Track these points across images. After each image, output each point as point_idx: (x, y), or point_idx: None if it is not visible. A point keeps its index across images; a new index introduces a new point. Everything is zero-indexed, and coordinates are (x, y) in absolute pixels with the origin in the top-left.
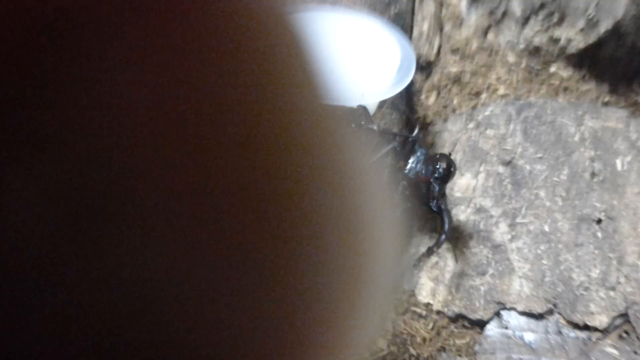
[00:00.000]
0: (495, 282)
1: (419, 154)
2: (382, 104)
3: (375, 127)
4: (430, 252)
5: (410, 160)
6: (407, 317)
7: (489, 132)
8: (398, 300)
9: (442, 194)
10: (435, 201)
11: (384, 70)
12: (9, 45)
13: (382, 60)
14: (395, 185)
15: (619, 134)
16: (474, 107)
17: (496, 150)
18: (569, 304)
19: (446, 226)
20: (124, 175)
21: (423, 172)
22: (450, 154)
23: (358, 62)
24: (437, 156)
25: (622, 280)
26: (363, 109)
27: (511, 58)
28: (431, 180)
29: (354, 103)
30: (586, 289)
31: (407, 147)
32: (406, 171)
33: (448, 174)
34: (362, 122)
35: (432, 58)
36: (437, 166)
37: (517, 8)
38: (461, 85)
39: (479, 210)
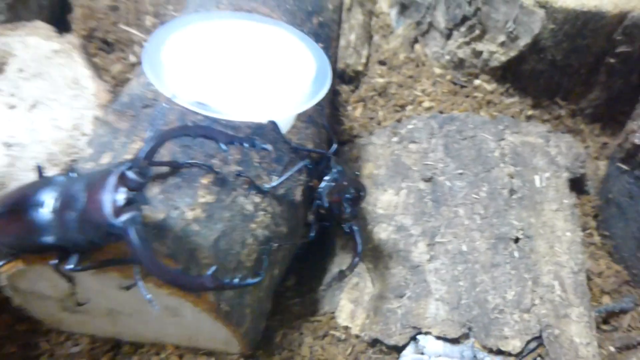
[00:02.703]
0: (412, 305)
1: (334, 171)
2: (301, 117)
3: (285, 144)
4: (342, 275)
5: (326, 178)
6: (325, 341)
7: (412, 146)
8: (318, 322)
9: (354, 216)
10: (347, 223)
11: (297, 83)
12: None
13: (296, 73)
14: (309, 204)
15: (538, 149)
16: (399, 120)
17: (418, 165)
18: (484, 328)
19: (359, 248)
20: None
21: (335, 193)
22: (357, 174)
23: (269, 74)
24: (347, 180)
25: (537, 301)
26: (273, 124)
27: (437, 70)
28: (342, 201)
29: (263, 118)
30: (501, 311)
31: (322, 164)
32: (320, 190)
33: (358, 197)
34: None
35: (359, 68)
36: (348, 188)
37: (441, 20)
38: (387, 97)
39: (400, 228)
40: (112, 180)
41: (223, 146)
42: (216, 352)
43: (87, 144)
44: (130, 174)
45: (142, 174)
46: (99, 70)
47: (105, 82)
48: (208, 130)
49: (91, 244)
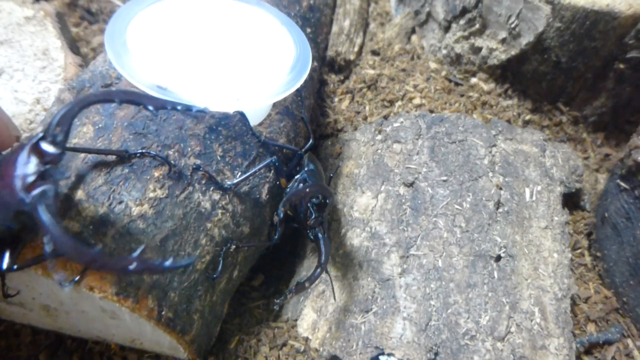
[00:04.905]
0: (377, 322)
1: (305, 171)
2: (276, 108)
3: (254, 138)
4: (300, 288)
5: (296, 178)
6: (282, 352)
7: (396, 146)
8: (279, 329)
9: (320, 222)
10: (312, 229)
11: (272, 71)
12: None
13: (272, 59)
14: (275, 204)
15: (532, 159)
16: (385, 117)
17: (400, 168)
18: (452, 355)
19: (322, 258)
20: None
21: (295, 198)
22: (331, 176)
23: (242, 59)
24: (309, 186)
25: (513, 329)
26: (241, 115)
27: (432, 64)
28: (308, 205)
29: (230, 108)
30: (472, 337)
31: (294, 162)
32: (287, 190)
33: (324, 203)
34: (237, 131)
35: (351, 57)
36: (315, 193)
37: (440, 10)
38: (377, 91)
39: (374, 235)
40: (24, 153)
41: (151, 109)
42: (162, 355)
43: (39, 122)
44: (44, 145)
45: (56, 143)
46: (74, 42)
47: (78, 54)
48: (134, 96)
49: (5, 227)
